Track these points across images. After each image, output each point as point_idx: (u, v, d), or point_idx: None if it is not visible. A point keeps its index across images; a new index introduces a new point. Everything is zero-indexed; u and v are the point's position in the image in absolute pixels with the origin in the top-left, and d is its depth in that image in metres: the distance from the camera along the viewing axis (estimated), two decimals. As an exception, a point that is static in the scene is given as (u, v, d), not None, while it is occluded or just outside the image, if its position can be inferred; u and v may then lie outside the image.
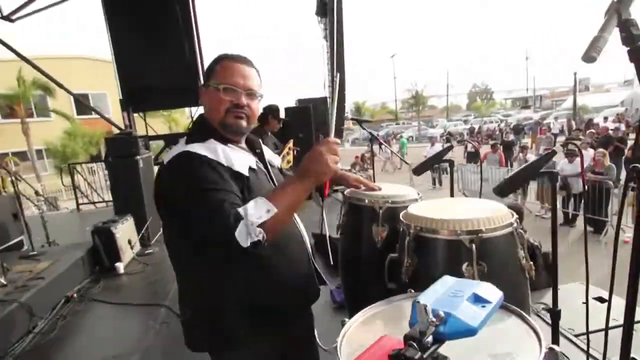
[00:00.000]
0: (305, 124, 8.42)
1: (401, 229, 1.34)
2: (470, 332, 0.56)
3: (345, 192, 1.83)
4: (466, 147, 14.58)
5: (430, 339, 0.55)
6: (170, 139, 8.12)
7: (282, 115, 4.26)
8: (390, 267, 1.36)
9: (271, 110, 4.03)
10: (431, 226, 1.21)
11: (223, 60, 1.21)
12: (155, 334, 2.91)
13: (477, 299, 0.62)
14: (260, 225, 0.97)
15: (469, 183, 10.08)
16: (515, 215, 1.24)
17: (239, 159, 1.19)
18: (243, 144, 1.32)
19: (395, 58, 46.84)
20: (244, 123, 1.22)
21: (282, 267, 1.23)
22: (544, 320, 2.32)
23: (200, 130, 1.24)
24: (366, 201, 1.68)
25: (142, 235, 4.78)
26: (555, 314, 1.37)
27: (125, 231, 4.42)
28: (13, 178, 4.76)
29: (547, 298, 2.80)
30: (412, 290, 1.02)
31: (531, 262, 1.21)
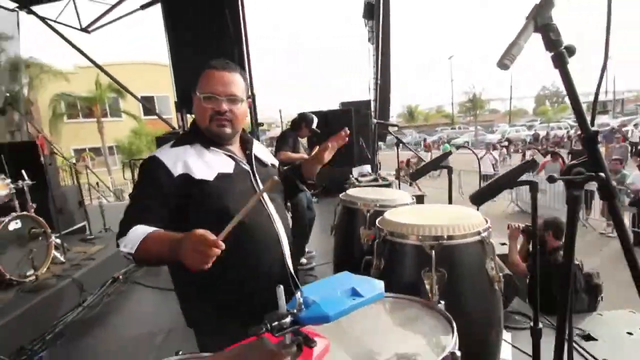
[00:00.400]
0: (346, 126, 8.47)
1: (376, 233, 1.37)
2: (324, 319, 0.61)
3: (340, 195, 1.87)
4: (524, 155, 13.59)
5: (288, 319, 0.60)
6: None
7: (314, 125, 4.31)
8: (365, 269, 1.39)
9: (305, 120, 4.23)
10: (399, 231, 1.23)
11: (206, 70, 1.32)
12: (179, 315, 3.17)
13: (353, 293, 0.65)
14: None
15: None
16: (485, 225, 1.20)
17: (209, 164, 1.30)
18: (232, 146, 1.43)
19: (453, 59, 44.93)
20: (227, 130, 1.32)
21: (247, 268, 1.32)
22: (579, 348, 2.12)
23: (189, 134, 1.39)
24: (358, 204, 1.71)
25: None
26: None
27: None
28: (88, 171, 5.40)
29: (587, 323, 2.57)
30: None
31: (500, 274, 1.17)
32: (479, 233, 1.20)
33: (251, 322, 1.26)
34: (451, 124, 45.31)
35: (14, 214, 3.30)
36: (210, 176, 1.29)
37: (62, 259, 3.79)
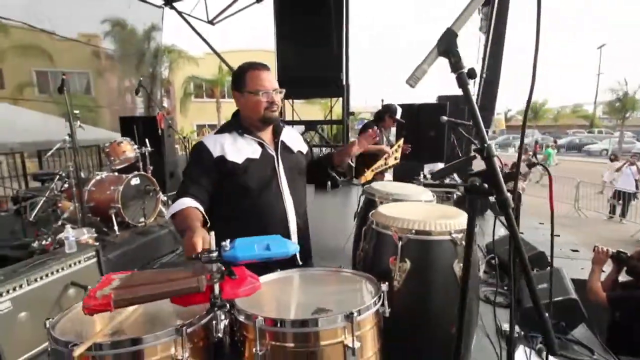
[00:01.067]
0: (439, 122, 8.12)
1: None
2: (234, 258, 0.84)
3: (364, 186, 1.98)
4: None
5: (214, 254, 0.82)
6: (310, 124, 9.15)
7: (398, 115, 4.30)
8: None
9: (389, 110, 4.18)
10: (382, 222, 1.32)
11: (249, 71, 1.61)
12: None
13: (266, 247, 0.84)
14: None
15: None
16: (460, 227, 1.21)
17: (240, 150, 1.61)
18: (264, 132, 1.69)
19: (604, 49, 37.39)
20: (276, 114, 1.65)
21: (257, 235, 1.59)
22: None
23: (232, 124, 1.69)
24: (375, 196, 1.80)
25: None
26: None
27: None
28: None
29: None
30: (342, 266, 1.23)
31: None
32: (449, 233, 1.27)
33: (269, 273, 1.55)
34: (589, 127, 38.33)
35: (135, 173, 4.22)
36: (239, 159, 1.58)
37: (165, 213, 4.68)
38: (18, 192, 4.49)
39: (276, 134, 1.74)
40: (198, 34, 8.98)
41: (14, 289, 2.35)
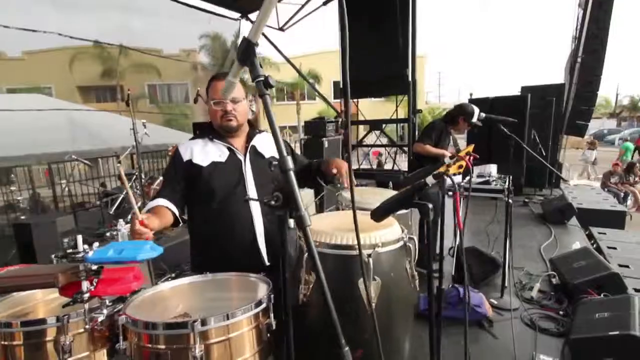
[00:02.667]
0: (517, 117, 7.25)
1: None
2: (87, 259, 0.93)
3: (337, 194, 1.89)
4: None
5: (79, 255, 0.91)
6: (374, 124, 8.96)
7: (475, 118, 3.50)
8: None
9: (464, 113, 3.58)
10: (333, 241, 1.24)
11: (211, 81, 1.71)
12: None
13: (120, 252, 0.89)
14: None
15: None
16: (372, 242, 1.07)
17: (208, 154, 1.69)
18: (236, 139, 1.75)
19: None
20: (233, 123, 1.70)
21: (223, 239, 1.67)
22: None
23: (205, 130, 1.80)
24: (343, 204, 1.72)
25: (316, 203, 5.86)
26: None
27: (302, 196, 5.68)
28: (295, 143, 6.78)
29: None
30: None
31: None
32: (402, 239, 1.19)
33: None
34: None
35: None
36: (204, 162, 1.68)
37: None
38: (102, 190, 5.40)
39: (249, 139, 1.79)
40: (269, 40, 9.51)
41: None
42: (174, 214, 1.64)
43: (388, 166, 9.61)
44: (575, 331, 2.41)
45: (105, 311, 1.01)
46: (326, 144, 5.97)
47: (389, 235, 1.15)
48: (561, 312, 2.87)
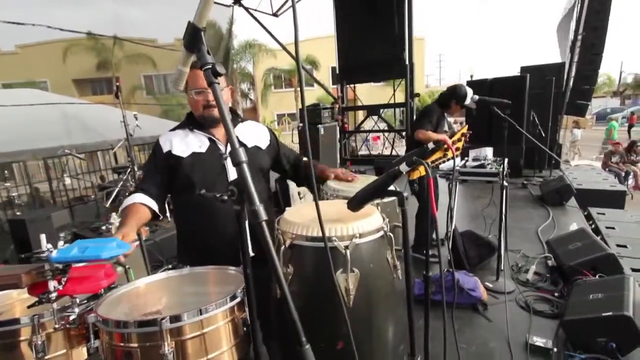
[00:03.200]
0: (516, 98, 7.14)
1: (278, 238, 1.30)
2: (51, 259, 0.91)
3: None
4: None
5: (44, 255, 0.91)
6: (372, 110, 8.85)
7: (468, 101, 3.38)
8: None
9: (455, 96, 3.46)
10: (283, 228, 1.22)
11: (190, 70, 1.62)
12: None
13: (84, 250, 0.88)
14: None
15: None
16: (349, 232, 1.05)
17: (188, 144, 1.65)
18: (217, 128, 1.71)
19: None
20: (215, 113, 1.65)
21: (208, 233, 1.64)
22: None
23: (185, 121, 1.75)
24: (328, 193, 1.69)
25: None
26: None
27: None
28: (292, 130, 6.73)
29: None
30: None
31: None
32: (382, 228, 1.14)
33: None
34: None
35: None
36: (184, 153, 1.64)
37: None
38: (98, 184, 5.39)
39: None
40: (263, 26, 9.33)
41: (68, 265, 2.88)
42: (151, 208, 1.61)
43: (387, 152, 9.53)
44: (569, 312, 2.40)
45: (76, 310, 1.00)
46: (322, 131, 5.91)
47: (368, 225, 1.11)
48: (556, 294, 2.87)
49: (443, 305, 1.45)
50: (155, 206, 1.62)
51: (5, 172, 4.90)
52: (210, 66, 0.71)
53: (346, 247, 1.05)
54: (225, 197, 0.77)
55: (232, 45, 11.50)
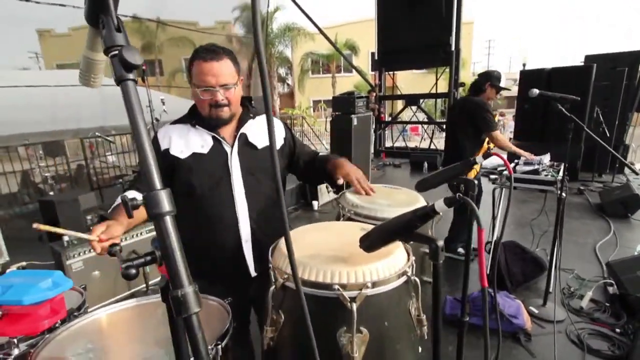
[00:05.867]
0: (579, 90, 6.38)
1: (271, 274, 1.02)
2: None
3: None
4: None
5: None
6: (411, 99, 8.31)
7: (503, 83, 3.27)
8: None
9: (489, 78, 3.29)
10: (275, 264, 0.95)
11: (195, 60, 1.36)
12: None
13: (5, 290, 0.74)
14: None
15: None
16: (409, 261, 0.76)
17: (188, 143, 1.41)
18: (223, 126, 1.47)
19: None
20: (224, 115, 1.40)
21: (206, 241, 1.43)
22: None
23: (188, 114, 1.51)
24: (345, 209, 1.41)
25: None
26: None
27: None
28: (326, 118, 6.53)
29: None
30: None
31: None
32: (405, 273, 0.86)
33: (217, 283, 1.41)
34: None
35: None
36: (183, 154, 1.42)
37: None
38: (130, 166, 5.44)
39: (239, 126, 1.49)
40: (301, 9, 8.99)
41: (85, 252, 2.83)
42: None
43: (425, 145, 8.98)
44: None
45: (15, 351, 0.81)
46: (355, 122, 5.56)
47: (387, 269, 0.83)
48: (617, 330, 2.42)
49: (486, 339, 1.14)
50: None
51: (40, 152, 5.05)
52: (116, 52, 0.45)
53: (352, 300, 0.77)
54: (143, 260, 0.52)
55: (271, 28, 11.28)
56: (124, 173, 6.33)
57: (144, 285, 3.07)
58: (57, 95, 7.22)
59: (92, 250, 2.77)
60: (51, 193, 4.45)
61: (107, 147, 6.38)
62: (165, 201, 0.45)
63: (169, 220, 0.46)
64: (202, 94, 1.34)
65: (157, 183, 0.46)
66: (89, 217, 3.91)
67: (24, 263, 3.13)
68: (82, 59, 0.62)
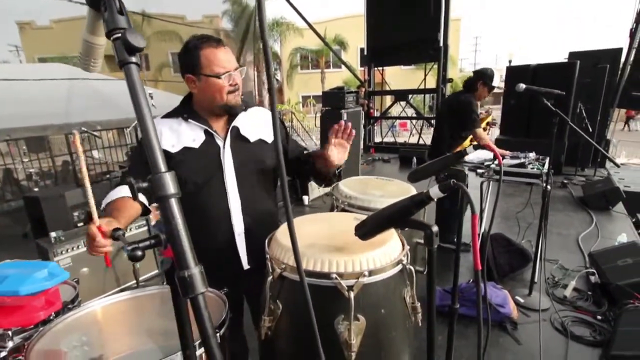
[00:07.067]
0: (563, 86, 6.54)
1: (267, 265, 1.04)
2: None
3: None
4: None
5: None
6: (400, 95, 8.37)
7: (496, 82, 3.27)
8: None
9: (483, 77, 3.26)
10: (273, 254, 0.96)
11: (206, 49, 1.33)
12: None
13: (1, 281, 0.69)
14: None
15: None
16: (404, 250, 0.77)
17: (179, 137, 1.39)
18: (215, 119, 1.46)
19: None
20: (239, 100, 1.40)
21: (197, 233, 1.39)
22: None
23: (179, 108, 1.49)
24: (339, 200, 1.42)
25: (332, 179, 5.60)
26: None
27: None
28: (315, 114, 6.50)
29: None
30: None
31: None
32: (400, 261, 0.89)
33: (210, 276, 1.40)
34: None
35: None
36: (174, 148, 1.40)
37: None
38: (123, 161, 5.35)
39: (230, 118, 1.48)
40: (290, 4, 8.93)
41: (73, 249, 2.79)
42: (142, 202, 1.39)
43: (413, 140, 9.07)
44: (616, 345, 2.07)
45: (10, 344, 0.80)
46: (345, 116, 5.56)
47: (383, 257, 0.85)
48: (599, 317, 2.51)
49: (479, 324, 1.18)
50: (145, 200, 1.41)
51: (24, 147, 4.92)
52: (119, 35, 0.45)
53: (350, 288, 0.79)
54: (148, 243, 0.53)
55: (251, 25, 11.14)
56: (110, 169, 6.23)
57: (134, 281, 3.04)
58: (39, 90, 7.04)
59: (79, 247, 2.71)
60: (36, 189, 4.34)
61: (94, 142, 6.26)
62: (170, 184, 0.46)
63: (174, 203, 0.46)
64: (225, 79, 1.33)
65: (162, 166, 0.46)
66: (75, 214, 3.84)
67: (8, 260, 3.06)
68: (81, 43, 0.62)
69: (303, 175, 1.72)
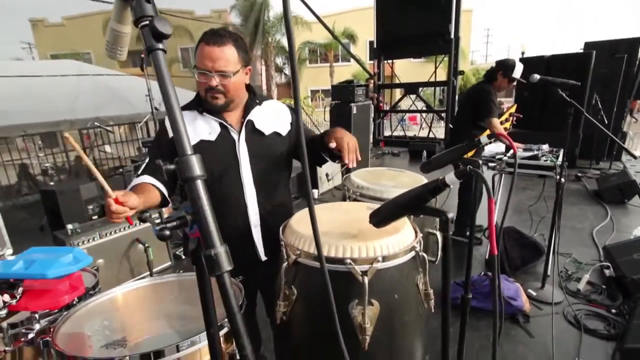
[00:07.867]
0: (578, 77, 6.40)
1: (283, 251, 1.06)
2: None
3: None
4: None
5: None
6: (410, 88, 8.29)
7: (517, 74, 3.21)
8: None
9: (503, 68, 3.25)
10: (288, 240, 0.97)
11: (200, 43, 1.36)
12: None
13: (29, 265, 0.74)
14: None
15: None
16: (417, 237, 0.78)
17: (196, 130, 1.41)
18: (230, 112, 1.47)
19: None
20: (219, 102, 1.39)
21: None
22: None
23: (195, 101, 1.52)
24: (350, 190, 1.43)
25: (342, 172, 5.59)
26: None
27: (326, 165, 5.40)
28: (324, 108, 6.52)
29: None
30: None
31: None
32: (413, 248, 0.89)
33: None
34: None
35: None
36: (191, 141, 1.42)
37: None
38: (135, 155, 5.43)
39: (245, 112, 1.49)
40: (299, -3, 8.88)
41: (89, 240, 2.85)
42: (162, 192, 1.41)
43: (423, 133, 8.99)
44: (631, 339, 2.04)
45: (36, 327, 0.83)
46: (354, 110, 5.55)
47: (396, 244, 0.86)
48: (613, 311, 2.48)
49: (494, 320, 1.18)
50: (165, 191, 1.43)
51: (39, 142, 5.03)
52: (147, 22, 0.46)
53: (364, 273, 0.80)
54: (175, 223, 0.54)
55: (268, 17, 11.14)
56: (123, 164, 6.33)
57: (148, 272, 3.10)
58: (51, 86, 7.16)
59: (95, 239, 2.76)
60: (51, 183, 4.44)
61: (106, 137, 6.37)
62: (196, 166, 0.47)
63: (200, 184, 0.48)
64: (198, 76, 1.33)
65: (188, 149, 0.48)
66: (90, 207, 3.92)
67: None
68: (109, 32, 0.64)
69: (316, 157, 1.69)
